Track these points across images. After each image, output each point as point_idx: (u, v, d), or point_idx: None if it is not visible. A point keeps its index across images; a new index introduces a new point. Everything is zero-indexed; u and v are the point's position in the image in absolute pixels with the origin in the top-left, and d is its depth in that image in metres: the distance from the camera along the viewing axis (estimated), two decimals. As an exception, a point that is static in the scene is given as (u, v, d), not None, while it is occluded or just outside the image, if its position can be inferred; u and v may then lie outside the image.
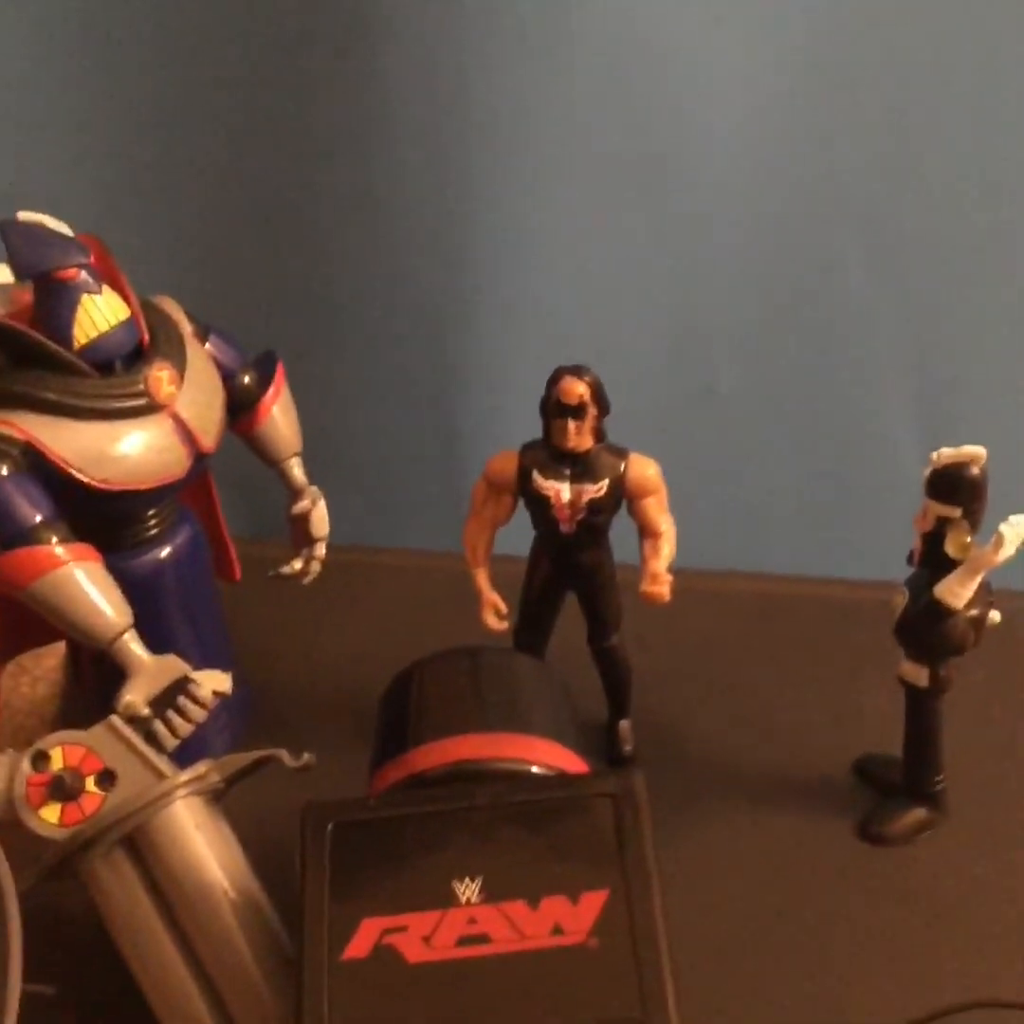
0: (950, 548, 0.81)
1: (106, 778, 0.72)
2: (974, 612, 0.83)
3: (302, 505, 0.96)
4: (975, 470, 0.80)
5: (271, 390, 0.95)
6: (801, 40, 1.12)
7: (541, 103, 1.15)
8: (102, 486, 0.80)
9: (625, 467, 0.87)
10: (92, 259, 0.81)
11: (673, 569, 0.88)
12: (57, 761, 0.72)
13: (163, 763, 0.74)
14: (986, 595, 0.83)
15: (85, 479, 0.79)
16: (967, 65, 1.13)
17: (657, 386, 1.25)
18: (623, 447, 0.88)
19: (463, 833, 0.66)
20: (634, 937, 0.62)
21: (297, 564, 0.98)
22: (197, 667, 0.81)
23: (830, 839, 0.90)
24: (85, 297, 0.80)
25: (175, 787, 0.72)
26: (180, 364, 0.85)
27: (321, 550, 0.97)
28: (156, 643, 0.80)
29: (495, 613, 0.90)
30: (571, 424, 0.85)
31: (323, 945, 0.63)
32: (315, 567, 0.98)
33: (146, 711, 0.77)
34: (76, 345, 0.80)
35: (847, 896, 0.86)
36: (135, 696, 0.77)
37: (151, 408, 0.82)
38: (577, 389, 0.84)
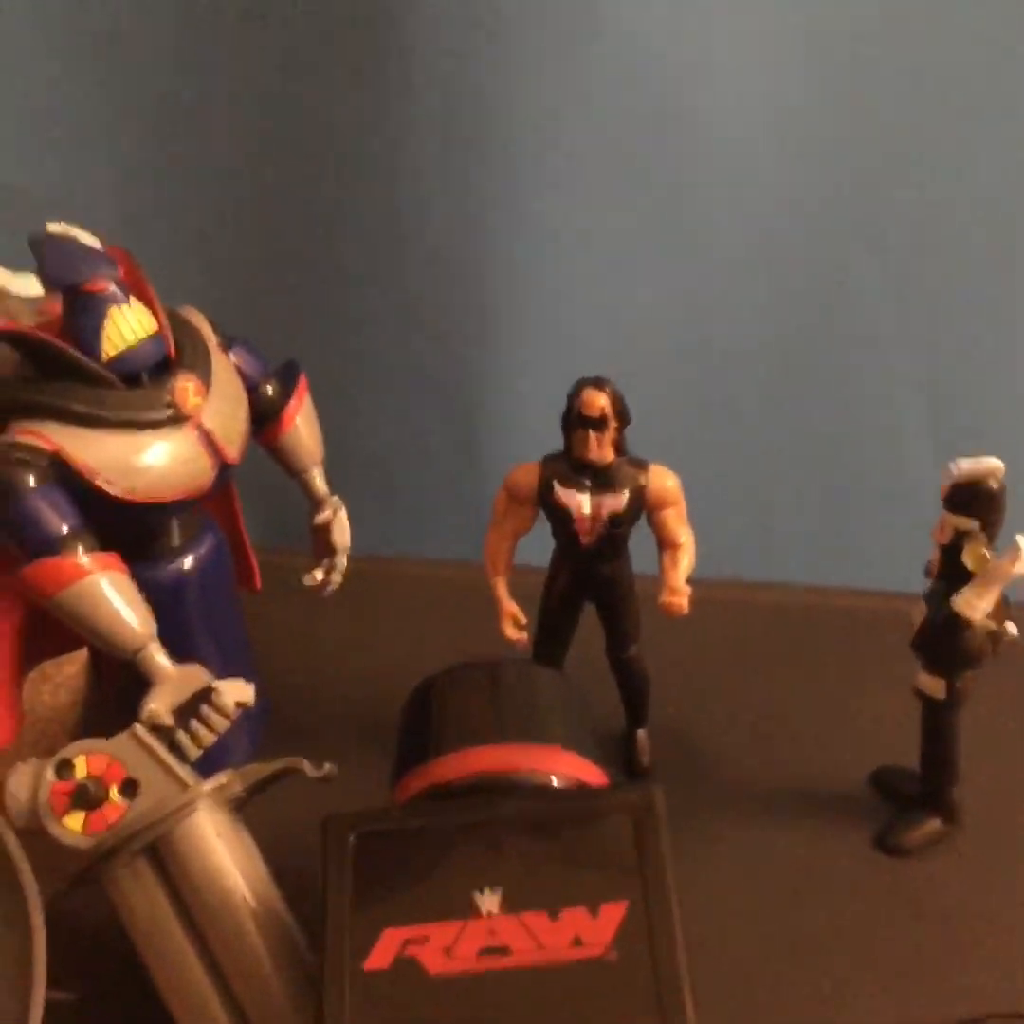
0: (968, 561, 0.82)
1: (129, 787, 0.73)
2: (991, 625, 0.83)
3: (324, 515, 0.97)
4: (993, 483, 0.80)
5: (294, 400, 0.95)
6: (816, 62, 1.13)
7: (558, 122, 1.16)
8: (128, 497, 0.80)
9: (645, 479, 0.88)
10: (121, 272, 0.81)
11: (692, 581, 0.88)
12: (81, 769, 0.73)
13: (186, 773, 0.74)
14: (1004, 608, 0.84)
15: (111, 490, 0.80)
16: (981, 83, 1.14)
17: (674, 398, 1.25)
18: (643, 459, 0.88)
19: (484, 844, 0.66)
20: (654, 950, 0.62)
21: (319, 575, 0.98)
22: (219, 677, 0.81)
23: (847, 850, 0.90)
24: (113, 310, 0.80)
25: (198, 797, 0.73)
26: (206, 375, 0.85)
27: (343, 560, 0.98)
28: (178, 652, 0.81)
29: (514, 623, 0.90)
30: (592, 436, 0.85)
31: (345, 955, 0.63)
32: (336, 578, 0.98)
33: (170, 720, 0.77)
34: (104, 357, 0.80)
35: (863, 907, 0.86)
36: (159, 705, 0.77)
37: (177, 419, 0.82)
38: (598, 401, 0.85)
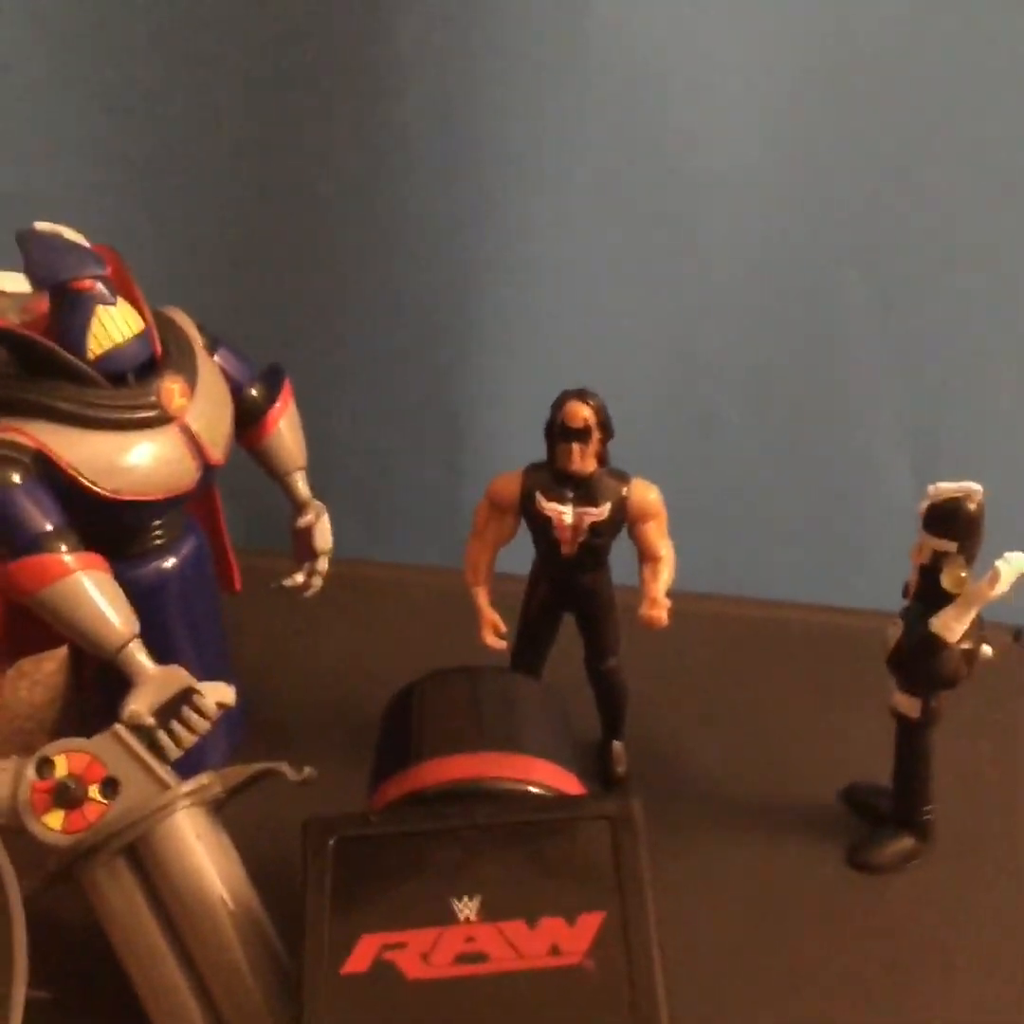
0: (946, 582, 0.82)
1: (110, 786, 0.73)
2: (967, 646, 0.84)
3: (306, 519, 0.97)
4: (972, 505, 0.81)
5: (278, 404, 0.96)
6: (806, 78, 1.14)
7: (549, 133, 1.16)
8: (112, 496, 0.80)
9: (627, 491, 0.88)
10: (108, 271, 0.81)
11: (672, 594, 0.89)
12: (61, 768, 0.73)
13: (166, 773, 0.75)
14: (979, 629, 0.84)
15: (95, 488, 0.80)
16: (974, 101, 1.15)
17: (657, 412, 1.26)
18: (625, 471, 0.89)
19: (463, 851, 0.67)
20: (630, 959, 0.63)
21: (299, 577, 0.98)
22: (198, 678, 0.81)
23: (819, 866, 0.91)
24: (100, 308, 0.81)
25: (178, 798, 0.73)
26: (191, 376, 0.85)
27: (324, 564, 0.98)
28: (157, 653, 0.80)
29: (494, 632, 0.91)
30: (575, 447, 0.86)
31: (323, 959, 0.63)
32: (317, 581, 0.99)
33: (151, 721, 0.77)
34: (90, 355, 0.80)
35: (835, 922, 0.87)
36: (140, 705, 0.77)
37: (162, 420, 0.82)
38: (582, 412, 0.85)
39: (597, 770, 0.98)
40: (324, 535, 0.98)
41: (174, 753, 0.78)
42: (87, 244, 0.82)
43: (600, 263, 1.22)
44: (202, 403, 0.86)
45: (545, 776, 0.74)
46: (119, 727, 0.75)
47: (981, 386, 1.27)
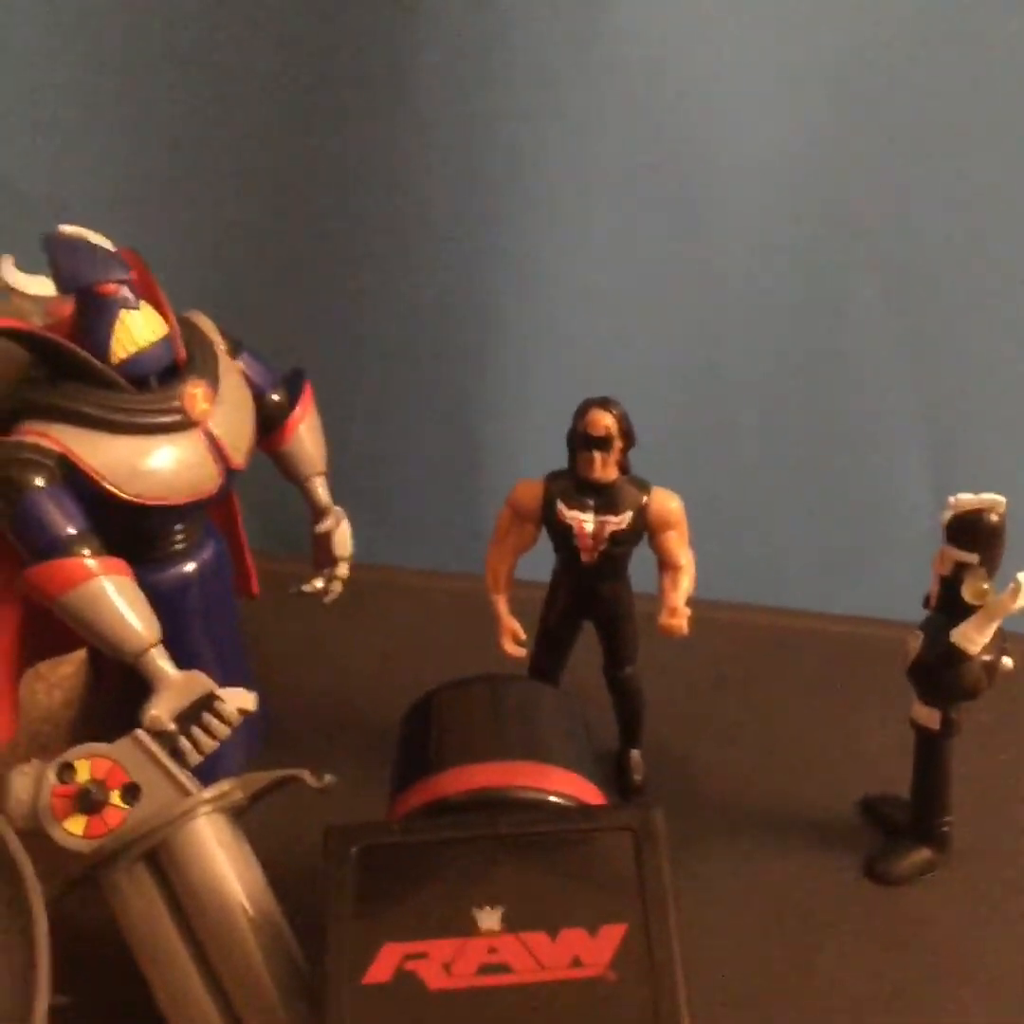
0: (967, 594, 0.82)
1: (131, 792, 0.73)
2: (988, 658, 0.84)
3: (326, 524, 0.97)
4: (994, 517, 0.81)
5: (299, 408, 0.96)
6: (824, 89, 1.14)
7: (566, 141, 1.17)
8: (135, 500, 0.80)
9: (648, 500, 0.88)
10: (133, 275, 0.81)
11: (691, 602, 0.89)
12: (83, 773, 0.73)
13: (187, 779, 0.75)
14: (1000, 641, 0.84)
15: (119, 492, 0.80)
16: (994, 107, 1.15)
17: (675, 421, 1.26)
18: (646, 480, 0.89)
19: (484, 861, 0.67)
20: (652, 971, 0.63)
21: (319, 582, 0.98)
22: (218, 683, 0.81)
23: (837, 876, 0.91)
24: (124, 312, 0.81)
25: (199, 804, 0.73)
26: (214, 381, 0.85)
27: (344, 569, 0.98)
28: (177, 658, 0.80)
29: (514, 639, 0.91)
30: (597, 456, 0.86)
31: (345, 968, 0.63)
32: (337, 586, 0.99)
33: (172, 726, 0.77)
34: (114, 359, 0.80)
35: (852, 934, 0.87)
36: (161, 711, 0.77)
37: (185, 424, 0.82)
38: (604, 421, 0.85)
39: (614, 778, 0.98)
40: (344, 541, 0.98)
41: (195, 759, 0.78)
42: (112, 248, 0.82)
43: (618, 274, 1.23)
44: (225, 408, 0.86)
45: (567, 786, 0.74)
46: (140, 732, 0.75)
47: (1000, 395, 1.27)
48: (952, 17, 1.11)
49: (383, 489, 1.32)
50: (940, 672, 0.85)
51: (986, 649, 0.83)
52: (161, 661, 0.79)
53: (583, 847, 0.68)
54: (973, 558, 0.82)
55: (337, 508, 0.98)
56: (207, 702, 0.79)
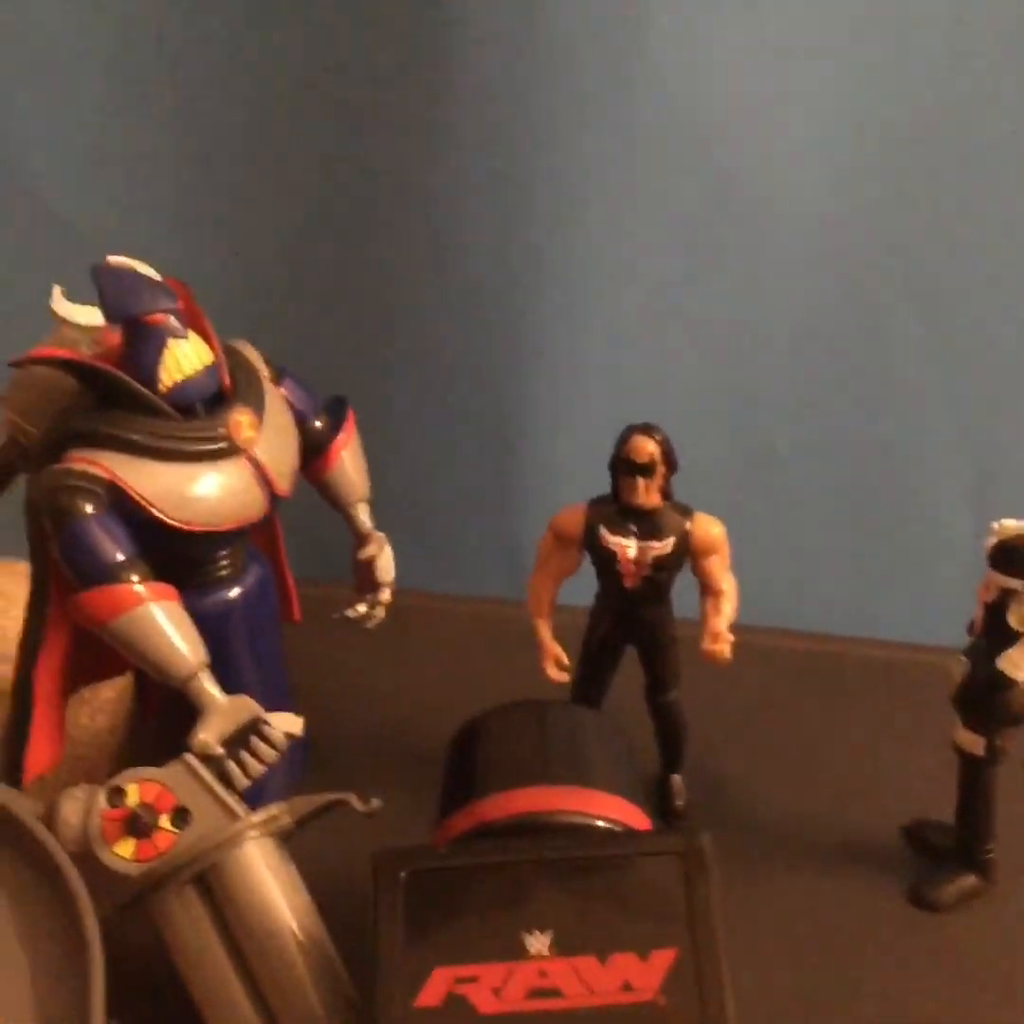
0: (1013, 620, 0.82)
1: (180, 816, 0.73)
2: (1034, 683, 0.84)
3: (369, 550, 0.98)
4: (1038, 543, 0.81)
5: (342, 435, 0.96)
6: (864, 115, 1.15)
7: (606, 168, 1.17)
8: (182, 526, 0.81)
9: (691, 526, 0.88)
10: (180, 305, 0.82)
11: (733, 628, 0.89)
12: (133, 797, 0.73)
13: (236, 803, 0.75)
14: (1047, 666, 0.84)
15: (166, 519, 0.80)
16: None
17: (714, 446, 1.26)
18: (688, 506, 0.89)
19: (533, 885, 0.66)
20: (702, 996, 0.62)
21: (362, 608, 0.99)
22: (263, 708, 0.82)
23: (881, 903, 0.90)
24: (171, 341, 0.81)
25: (248, 828, 0.73)
26: (259, 408, 0.86)
27: (387, 595, 0.98)
28: (223, 682, 0.81)
29: (557, 664, 0.91)
30: (640, 482, 0.86)
31: (397, 992, 0.63)
32: (380, 612, 0.99)
33: (220, 751, 0.78)
34: (161, 388, 0.81)
35: (897, 961, 0.86)
36: (210, 735, 0.78)
37: (231, 451, 0.83)
38: (647, 447, 0.86)
39: (656, 803, 0.98)
40: (387, 567, 0.98)
41: (242, 783, 0.78)
42: (159, 278, 0.83)
43: (656, 299, 1.23)
44: (269, 434, 0.86)
45: (613, 810, 0.74)
46: (189, 757, 0.75)
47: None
48: (997, 49, 1.11)
49: (425, 516, 1.32)
50: (985, 698, 0.85)
51: (1033, 675, 0.83)
52: (209, 685, 0.80)
53: (631, 871, 0.67)
54: (1018, 584, 0.82)
55: (379, 534, 0.98)
56: (254, 726, 0.80)
